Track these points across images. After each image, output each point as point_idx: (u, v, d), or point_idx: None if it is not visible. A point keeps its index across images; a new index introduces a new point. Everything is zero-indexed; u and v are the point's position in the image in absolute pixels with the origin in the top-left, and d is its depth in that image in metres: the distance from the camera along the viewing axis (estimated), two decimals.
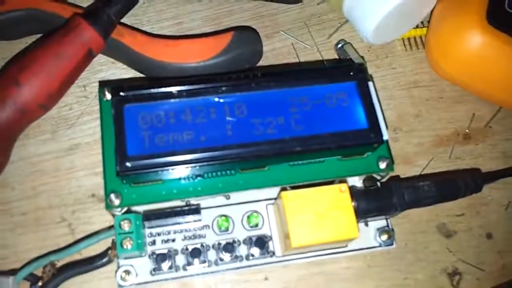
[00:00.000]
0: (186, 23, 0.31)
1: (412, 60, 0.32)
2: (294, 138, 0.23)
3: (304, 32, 0.32)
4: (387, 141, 0.24)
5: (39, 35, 0.29)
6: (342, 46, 0.31)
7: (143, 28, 0.31)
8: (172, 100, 0.23)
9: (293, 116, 0.24)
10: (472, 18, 0.28)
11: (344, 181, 0.25)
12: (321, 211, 0.23)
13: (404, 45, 0.32)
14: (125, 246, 0.23)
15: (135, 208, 0.24)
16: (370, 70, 0.31)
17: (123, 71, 0.30)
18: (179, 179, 0.23)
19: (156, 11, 0.32)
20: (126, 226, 0.23)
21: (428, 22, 0.32)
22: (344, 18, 0.32)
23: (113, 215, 0.24)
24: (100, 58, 0.30)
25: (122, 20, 0.29)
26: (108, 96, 0.24)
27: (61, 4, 0.28)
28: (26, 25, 0.28)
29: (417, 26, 0.32)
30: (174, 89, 0.23)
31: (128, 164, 0.22)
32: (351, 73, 0.25)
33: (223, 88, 0.24)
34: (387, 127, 0.24)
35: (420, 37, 0.33)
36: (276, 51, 0.31)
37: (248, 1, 0.32)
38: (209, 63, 0.27)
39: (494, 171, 0.29)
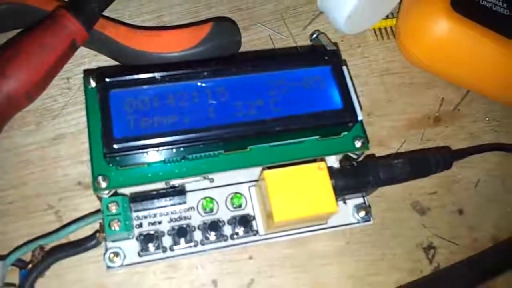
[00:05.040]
0: (166, 16, 0.32)
1: (383, 49, 0.34)
2: (274, 119, 0.24)
3: (280, 24, 0.33)
4: (361, 121, 0.26)
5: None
6: (317, 36, 0.32)
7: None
8: (156, 85, 0.24)
9: (272, 98, 0.25)
10: (438, 6, 0.29)
11: (323, 160, 0.26)
12: (301, 187, 0.25)
13: (376, 35, 0.34)
14: (113, 228, 0.24)
15: (122, 190, 0.25)
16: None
17: (105, 63, 0.30)
18: (165, 161, 0.24)
19: (137, 5, 0.33)
20: (113, 208, 0.24)
21: (397, 12, 0.33)
22: (318, 10, 0.33)
23: (100, 199, 0.24)
24: (83, 51, 0.30)
25: (105, 14, 0.29)
26: (93, 83, 0.25)
27: None
28: (9, 20, 0.29)
29: (387, 17, 0.34)
30: (157, 74, 0.24)
31: (115, 146, 0.22)
32: (326, 58, 0.26)
33: (205, 73, 0.25)
34: (361, 109, 0.26)
35: (390, 27, 0.34)
36: (253, 42, 0.33)
37: None
38: (189, 52, 0.28)
39: (462, 149, 0.30)
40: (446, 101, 0.33)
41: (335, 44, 0.32)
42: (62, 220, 0.26)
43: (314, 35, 0.32)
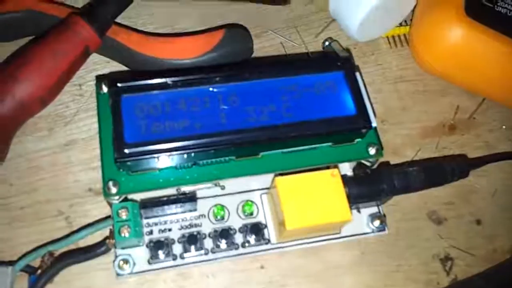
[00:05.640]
0: (179, 24, 0.33)
1: (396, 56, 0.33)
2: (286, 124, 0.24)
3: (293, 32, 0.33)
4: (375, 127, 0.25)
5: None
6: (329, 44, 0.32)
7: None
8: (167, 90, 0.24)
9: (284, 104, 0.25)
10: (451, 12, 0.29)
11: (336, 167, 0.25)
12: (314, 195, 0.24)
13: (389, 42, 0.34)
14: (123, 234, 0.23)
15: (132, 196, 0.25)
16: None
17: (117, 70, 0.30)
18: (176, 167, 0.24)
19: (149, 14, 0.33)
20: (123, 214, 0.24)
21: (411, 20, 0.33)
22: (331, 17, 0.33)
23: (110, 204, 0.24)
24: (95, 58, 0.30)
25: (117, 21, 0.30)
26: (105, 89, 0.25)
27: (59, 6, 0.29)
28: (23, 27, 0.29)
29: (400, 24, 0.34)
30: (169, 79, 0.24)
31: (126, 150, 0.22)
32: (339, 63, 0.26)
33: (217, 79, 0.25)
34: (375, 115, 0.25)
35: (404, 34, 0.34)
36: (265, 49, 0.32)
37: (238, 3, 0.34)
38: (202, 59, 0.28)
39: (479, 157, 0.30)
40: (461, 109, 0.32)
41: (348, 51, 0.31)
42: (72, 226, 0.26)
43: (327, 43, 0.32)
